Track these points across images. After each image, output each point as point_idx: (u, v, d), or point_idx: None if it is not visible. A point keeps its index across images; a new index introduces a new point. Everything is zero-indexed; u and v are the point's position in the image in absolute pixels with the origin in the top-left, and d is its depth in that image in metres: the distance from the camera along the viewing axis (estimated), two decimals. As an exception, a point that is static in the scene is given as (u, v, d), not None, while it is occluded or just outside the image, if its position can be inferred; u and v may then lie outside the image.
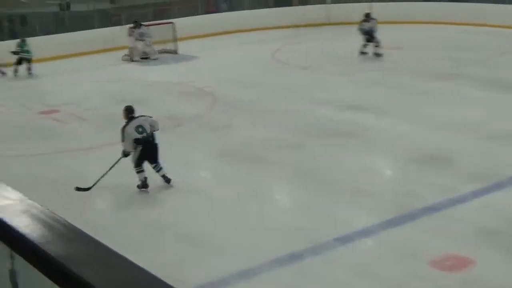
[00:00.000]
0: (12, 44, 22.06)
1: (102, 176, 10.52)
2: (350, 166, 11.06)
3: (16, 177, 9.87)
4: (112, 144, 12.70)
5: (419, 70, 18.45)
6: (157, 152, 10.67)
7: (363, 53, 21.11)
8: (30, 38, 23.88)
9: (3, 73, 21.64)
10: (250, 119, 14.44)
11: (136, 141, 10.46)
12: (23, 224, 0.96)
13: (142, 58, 23.20)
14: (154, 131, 10.68)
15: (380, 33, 20.72)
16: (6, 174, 10.04)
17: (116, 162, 10.69)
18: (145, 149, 10.52)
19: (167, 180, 10.70)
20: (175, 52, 24.28)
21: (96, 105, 16.69)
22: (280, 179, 10.93)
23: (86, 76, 20.94)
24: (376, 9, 27.54)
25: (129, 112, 10.79)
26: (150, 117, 10.91)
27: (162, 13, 28.45)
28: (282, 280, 7.58)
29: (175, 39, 24.33)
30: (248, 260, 7.96)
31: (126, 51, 23.62)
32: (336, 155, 11.62)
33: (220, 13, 29.77)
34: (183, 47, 24.11)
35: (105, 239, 1.07)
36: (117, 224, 9.19)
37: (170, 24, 24.49)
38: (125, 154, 10.67)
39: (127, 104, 11.08)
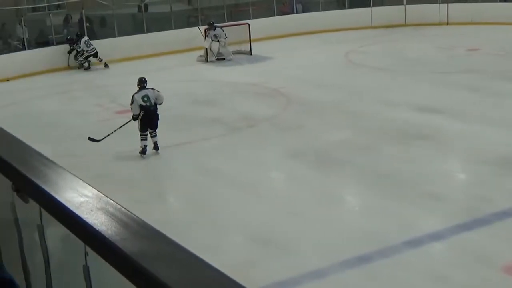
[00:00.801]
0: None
1: (112, 133, 12.80)
2: (423, 168, 10.91)
3: (93, 175, 10.09)
4: (185, 144, 12.90)
5: (496, 71, 18.04)
6: (157, 120, 12.72)
7: None
8: (109, 39, 24.50)
9: (106, 65, 22.71)
10: (324, 120, 14.39)
11: (140, 107, 12.55)
12: (99, 221, 0.99)
13: (218, 59, 23.37)
14: (158, 103, 12.76)
15: (457, 34, 20.33)
16: (85, 172, 10.24)
17: (125, 124, 12.87)
18: (146, 115, 12.56)
19: (156, 147, 12.78)
20: (249, 53, 24.34)
21: (171, 105, 16.83)
22: (352, 180, 10.88)
23: (161, 76, 21.15)
24: (452, 10, 27.17)
25: (141, 83, 12.91)
26: (158, 91, 12.91)
27: (237, 14, 28.57)
28: (351, 282, 7.55)
29: (249, 40, 24.40)
30: (317, 261, 7.96)
31: (201, 52, 23.83)
32: (409, 158, 11.49)
33: (294, 14, 29.69)
34: (257, 48, 24.16)
35: (177, 239, 1.09)
36: (189, 224, 9.27)
37: (245, 25, 24.58)
38: (134, 118, 12.74)
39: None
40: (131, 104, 12.74)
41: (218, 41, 23.34)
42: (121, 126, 12.93)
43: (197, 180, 11.15)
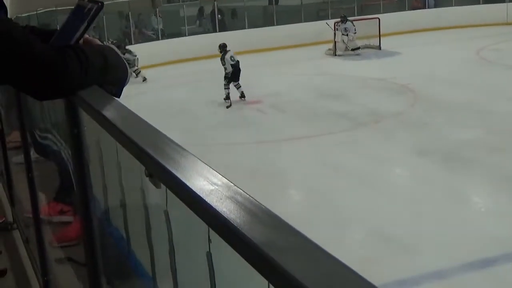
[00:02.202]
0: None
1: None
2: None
3: (219, 164, 10.25)
4: (308, 137, 12.92)
5: None
6: (240, 74, 16.75)
7: None
8: (238, 30, 24.86)
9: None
10: (453, 118, 14.04)
11: (231, 66, 16.60)
12: (228, 209, 1.00)
13: (353, 50, 23.27)
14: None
15: None
16: (211, 160, 10.37)
17: (227, 85, 16.72)
18: (234, 71, 16.69)
19: (243, 96, 16.84)
20: (378, 47, 24.12)
21: (297, 97, 16.97)
22: (480, 181, 10.55)
23: (290, 69, 21.32)
24: None
25: (224, 47, 17.10)
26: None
27: (368, 8, 28.34)
28: (473, 285, 7.34)
29: (379, 35, 24.16)
30: (439, 261, 7.79)
31: (330, 46, 23.80)
32: (543, 161, 11.03)
33: (426, 9, 29.16)
34: (387, 43, 23.88)
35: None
36: (310, 217, 9.24)
37: (375, 20, 24.35)
38: (227, 75, 16.77)
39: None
40: (224, 65, 16.87)
41: (347, 35, 23.25)
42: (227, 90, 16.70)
43: (320, 173, 11.14)
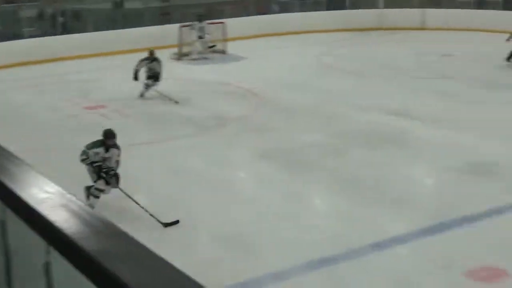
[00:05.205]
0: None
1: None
2: (392, 173, 10.98)
3: (58, 171, 9.98)
4: (153, 142, 12.89)
5: (469, 77, 18.25)
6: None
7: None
8: (81, 33, 24.32)
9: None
10: (295, 122, 14.41)
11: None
12: (61, 218, 0.97)
13: (210, 47, 23.39)
14: None
15: (432, 39, 20.26)
16: (49, 168, 10.08)
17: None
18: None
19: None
20: (223, 52, 24.32)
21: (141, 102, 16.83)
22: (320, 183, 10.88)
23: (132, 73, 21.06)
24: (429, 15, 27.41)
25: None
26: None
27: (213, 12, 28.54)
28: (313, 284, 7.57)
29: (224, 39, 24.37)
30: (280, 262, 7.96)
31: (175, 50, 23.75)
32: (379, 162, 11.54)
33: (270, 15, 29.72)
34: (232, 47, 24.12)
35: (144, 235, 1.07)
36: (150, 220, 9.13)
37: (221, 24, 24.54)
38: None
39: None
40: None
41: (202, 37, 23.34)
42: None
43: (166, 178, 11.10)
